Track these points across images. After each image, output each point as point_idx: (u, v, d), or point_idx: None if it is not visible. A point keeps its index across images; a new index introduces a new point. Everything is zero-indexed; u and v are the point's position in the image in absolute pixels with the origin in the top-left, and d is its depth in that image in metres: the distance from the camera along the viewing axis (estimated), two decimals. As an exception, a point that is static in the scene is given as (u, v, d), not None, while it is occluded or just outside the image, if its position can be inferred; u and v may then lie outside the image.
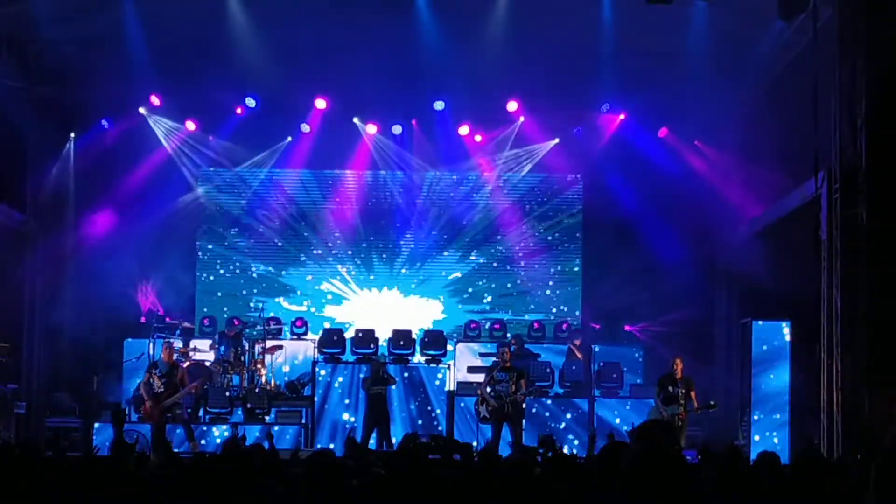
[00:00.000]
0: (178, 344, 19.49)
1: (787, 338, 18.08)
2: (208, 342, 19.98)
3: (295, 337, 20.84)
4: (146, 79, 19.81)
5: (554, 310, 22.61)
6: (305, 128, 21.95)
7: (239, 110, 21.51)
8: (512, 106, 21.48)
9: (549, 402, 19.10)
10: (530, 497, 7.29)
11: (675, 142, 21.44)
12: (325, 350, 19.83)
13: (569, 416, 18.98)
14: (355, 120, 21.99)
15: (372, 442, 17.83)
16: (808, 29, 15.74)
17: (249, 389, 19.06)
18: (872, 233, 14.58)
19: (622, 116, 21.55)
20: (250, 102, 21.29)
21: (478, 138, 22.20)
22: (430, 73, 19.62)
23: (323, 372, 19.39)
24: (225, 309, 22.05)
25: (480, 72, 19.17)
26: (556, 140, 22.16)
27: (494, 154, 22.39)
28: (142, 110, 21.48)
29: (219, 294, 22.57)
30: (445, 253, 22.72)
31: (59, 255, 21.21)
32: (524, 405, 17.79)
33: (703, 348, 21.13)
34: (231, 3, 18.11)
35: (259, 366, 19.52)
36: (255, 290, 22.60)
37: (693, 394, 16.96)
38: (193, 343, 20.26)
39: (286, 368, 20.23)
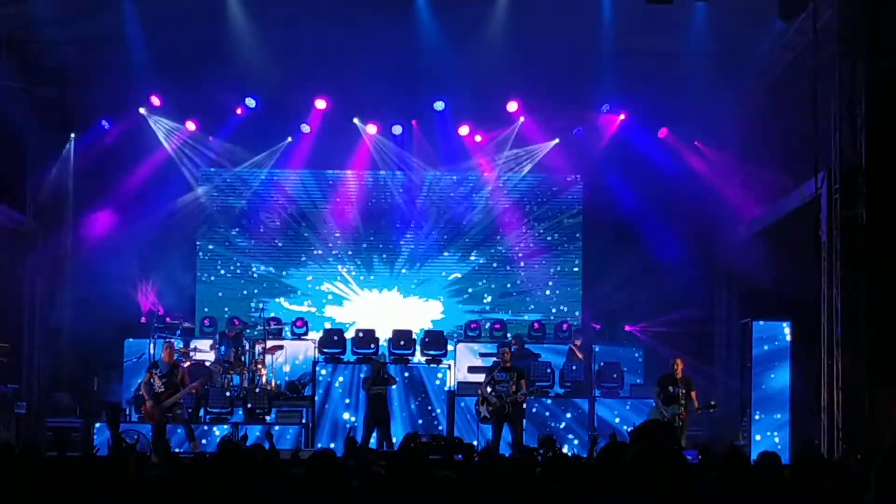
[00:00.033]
0: (178, 344, 19.49)
1: (788, 338, 18.09)
2: (209, 342, 20.00)
3: (295, 337, 20.84)
4: (146, 79, 19.81)
5: (554, 310, 22.61)
6: (305, 128, 21.95)
7: (239, 111, 21.51)
8: (512, 106, 21.48)
9: (549, 402, 19.11)
10: (530, 497, 7.29)
11: (675, 142, 21.44)
12: (325, 350, 19.84)
13: (569, 415, 18.99)
14: (355, 120, 21.99)
15: (372, 442, 17.83)
16: (808, 29, 15.74)
17: (250, 389, 19.07)
18: (872, 233, 14.58)
19: (622, 117, 21.54)
20: (250, 103, 21.30)
21: (478, 138, 22.20)
22: (430, 73, 19.61)
23: (323, 372, 19.40)
24: (226, 309, 22.05)
25: (480, 72, 19.16)
26: (556, 140, 22.16)
27: (494, 154, 22.39)
28: (142, 110, 21.48)
29: (219, 294, 22.58)
30: (445, 253, 22.72)
31: (59, 255, 21.22)
32: (524, 405, 17.79)
33: (704, 348, 21.14)
34: (231, 3, 18.12)
35: (259, 366, 19.53)
36: (255, 291, 22.59)
37: (693, 394, 16.97)
38: (194, 343, 20.28)
39: (287, 368, 20.23)
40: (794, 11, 15.91)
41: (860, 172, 14.66)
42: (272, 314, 21.60)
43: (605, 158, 21.87)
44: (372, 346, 19.87)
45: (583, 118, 21.69)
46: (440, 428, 18.85)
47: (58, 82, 19.80)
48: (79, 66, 19.02)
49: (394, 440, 17.86)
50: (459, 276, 22.70)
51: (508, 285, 22.79)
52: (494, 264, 22.78)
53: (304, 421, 18.81)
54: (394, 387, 18.66)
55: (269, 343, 19.99)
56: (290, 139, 22.22)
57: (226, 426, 18.28)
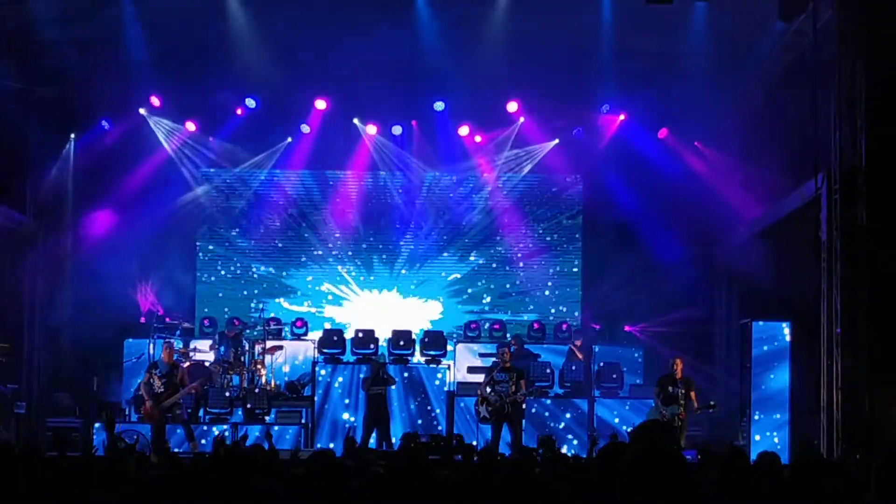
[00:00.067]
0: (178, 344, 19.49)
1: (787, 338, 18.08)
2: (208, 342, 19.99)
3: (295, 337, 20.84)
4: (146, 79, 19.82)
5: (553, 310, 22.61)
6: (305, 128, 21.95)
7: (239, 111, 21.52)
8: (512, 106, 21.48)
9: (548, 402, 19.11)
10: (530, 497, 7.30)
11: (675, 142, 21.43)
12: (325, 350, 19.84)
13: (568, 416, 18.99)
14: (355, 120, 22.00)
15: (372, 442, 17.83)
16: (808, 29, 15.72)
17: (249, 390, 19.07)
18: (872, 233, 14.57)
19: (622, 117, 21.54)
20: (250, 103, 21.30)
21: (478, 139, 22.21)
22: (430, 73, 19.62)
23: (323, 372, 19.40)
24: (225, 309, 22.05)
25: (480, 72, 19.16)
26: (556, 141, 22.16)
27: (494, 155, 22.38)
28: (142, 111, 21.48)
29: (219, 295, 22.57)
30: (445, 254, 22.72)
31: (59, 255, 21.22)
32: (524, 405, 17.79)
33: (703, 349, 21.13)
34: (231, 3, 18.10)
35: (259, 366, 19.53)
36: (255, 291, 22.60)
37: (693, 394, 16.96)
38: (193, 343, 20.27)
39: (286, 369, 20.23)
40: (794, 11, 15.90)
41: (860, 173, 14.65)
42: (272, 314, 21.60)
43: (605, 159, 21.87)
44: (371, 346, 19.87)
45: (583, 118, 21.69)
46: (439, 428, 18.86)
47: (58, 82, 19.80)
48: (79, 66, 19.02)
49: (393, 440, 17.86)
50: (459, 276, 22.70)
51: (508, 286, 22.78)
52: (494, 265, 22.78)
53: (303, 421, 18.81)
54: (393, 387, 18.66)
55: (269, 343, 19.99)
56: (289, 139, 22.22)
57: (225, 426, 18.27)
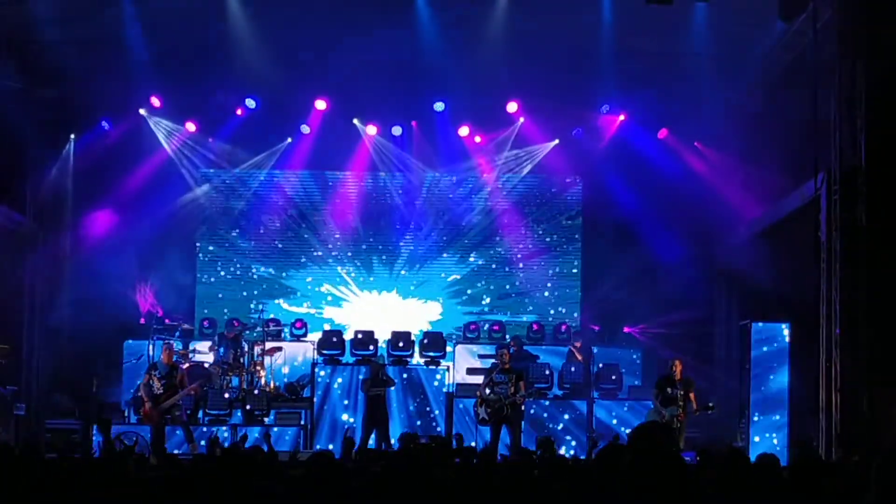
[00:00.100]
0: (177, 345, 19.48)
1: (787, 339, 18.07)
2: (208, 344, 19.98)
3: (295, 338, 20.83)
4: (146, 79, 19.81)
5: (553, 311, 22.60)
6: (305, 129, 21.95)
7: (239, 111, 21.52)
8: (512, 107, 21.48)
9: (547, 403, 19.09)
10: (529, 497, 7.29)
11: (675, 143, 21.43)
12: (324, 351, 19.82)
13: (567, 417, 18.98)
14: (355, 121, 21.99)
15: (371, 443, 17.81)
16: (808, 29, 15.73)
17: (249, 391, 19.05)
18: (872, 234, 14.58)
19: (622, 117, 21.54)
20: (250, 103, 21.30)
21: (477, 139, 22.20)
22: (430, 73, 19.62)
23: (322, 373, 19.38)
24: (225, 310, 22.05)
25: (480, 72, 19.16)
26: (556, 141, 22.16)
27: (494, 155, 22.38)
28: (142, 111, 21.49)
29: (219, 296, 22.57)
30: (445, 255, 22.71)
31: (58, 256, 21.23)
32: (523, 407, 17.76)
33: (703, 349, 21.11)
34: (231, 3, 18.11)
35: (258, 367, 19.52)
36: (255, 292, 22.59)
37: (692, 395, 16.93)
38: (193, 345, 20.26)
39: (285, 370, 20.21)
40: (794, 11, 15.91)
41: (860, 173, 14.66)
42: (271, 315, 21.59)
43: (605, 159, 21.87)
44: (371, 347, 19.86)
45: (582, 119, 21.69)
46: (438, 429, 18.84)
47: (58, 82, 19.79)
48: (79, 66, 19.02)
49: (392, 441, 17.84)
50: (458, 277, 22.69)
51: (507, 287, 22.77)
52: (493, 265, 22.77)
53: (302, 422, 18.79)
54: (392, 388, 18.64)
55: (268, 344, 19.97)
56: (289, 140, 22.22)
57: (224, 427, 18.26)
